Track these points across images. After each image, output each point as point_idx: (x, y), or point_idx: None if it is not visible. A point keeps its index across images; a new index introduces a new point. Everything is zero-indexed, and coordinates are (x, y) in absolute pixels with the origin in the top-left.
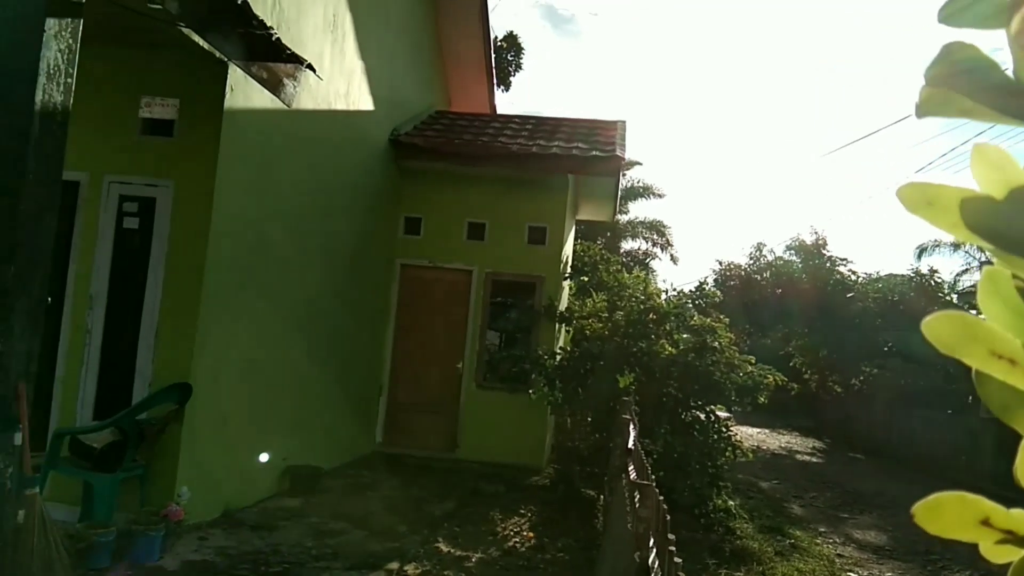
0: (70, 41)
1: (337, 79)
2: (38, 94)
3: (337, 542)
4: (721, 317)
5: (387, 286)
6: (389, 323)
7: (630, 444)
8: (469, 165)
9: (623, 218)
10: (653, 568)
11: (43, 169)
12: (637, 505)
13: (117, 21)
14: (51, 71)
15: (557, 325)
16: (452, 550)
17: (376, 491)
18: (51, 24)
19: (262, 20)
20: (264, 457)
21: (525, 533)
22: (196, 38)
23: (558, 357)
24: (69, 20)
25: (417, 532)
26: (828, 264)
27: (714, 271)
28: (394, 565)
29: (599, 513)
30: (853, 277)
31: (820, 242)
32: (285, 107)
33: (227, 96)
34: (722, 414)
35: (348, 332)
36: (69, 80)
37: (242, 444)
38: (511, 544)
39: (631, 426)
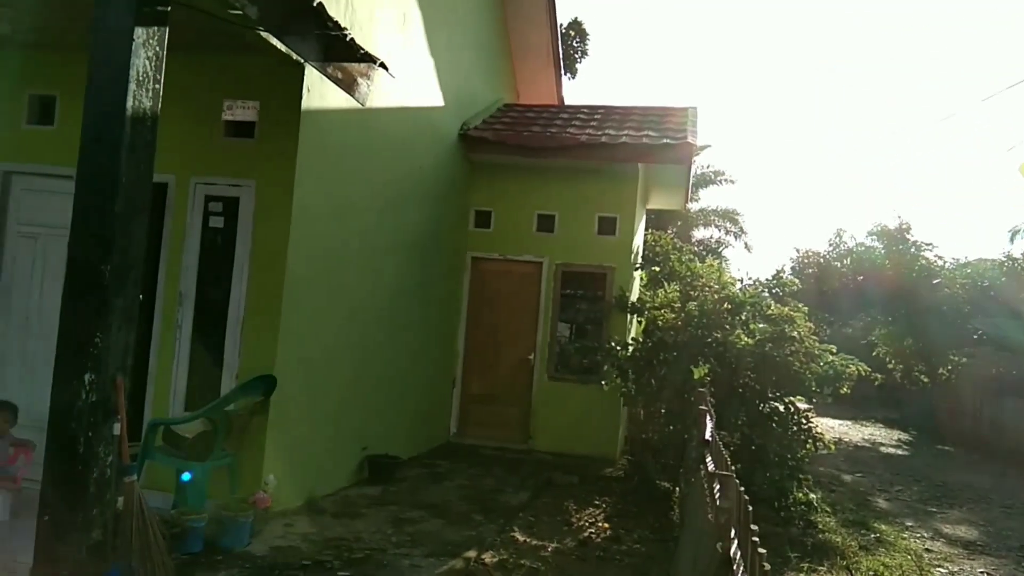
0: (157, 49)
1: (408, 76)
2: (129, 100)
3: (416, 530)
4: (799, 306)
5: (458, 279)
6: (461, 315)
7: (707, 435)
8: (538, 157)
9: (694, 206)
10: (735, 559)
11: (135, 172)
12: (717, 496)
13: (199, 27)
14: (140, 78)
15: (628, 316)
16: (528, 540)
17: (451, 481)
18: (139, 33)
19: (337, 21)
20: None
21: (600, 524)
22: (274, 41)
23: (630, 348)
24: (156, 28)
25: (493, 521)
26: (912, 249)
27: (791, 259)
28: (471, 553)
29: (675, 505)
30: (939, 263)
31: (904, 227)
32: (359, 106)
33: (304, 97)
34: (802, 405)
35: (422, 324)
36: (157, 86)
37: (324, 434)
38: (587, 535)
39: (708, 417)
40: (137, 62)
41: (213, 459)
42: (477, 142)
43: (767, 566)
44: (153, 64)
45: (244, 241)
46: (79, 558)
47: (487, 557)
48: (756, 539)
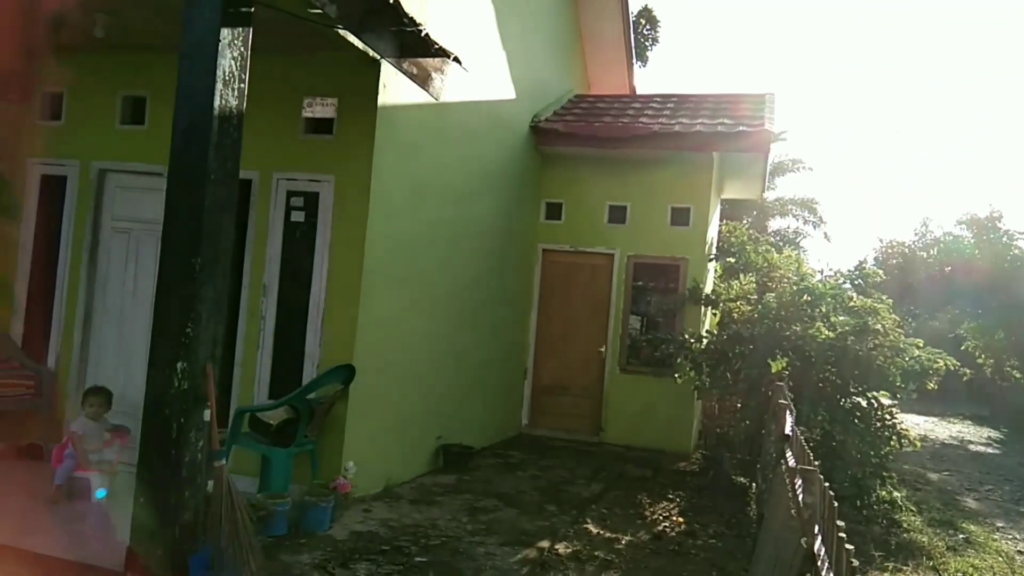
0: (242, 49)
1: (480, 69)
2: (216, 100)
3: (490, 519)
4: (883, 298)
5: (529, 271)
6: (532, 307)
7: (787, 430)
8: (609, 147)
9: (770, 195)
10: (819, 555)
11: (222, 169)
12: (799, 492)
13: (280, 27)
14: (226, 78)
15: (703, 308)
16: (601, 532)
17: (524, 471)
18: (225, 34)
19: (412, 17)
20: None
21: (675, 518)
22: (352, 39)
23: (704, 341)
24: (241, 29)
25: (566, 513)
26: (1004, 239)
27: (874, 249)
28: (545, 543)
29: (751, 501)
30: None
31: (995, 215)
32: (433, 100)
33: (380, 93)
34: (885, 401)
35: (494, 316)
36: (242, 85)
37: (400, 423)
38: (661, 528)
39: (787, 412)
40: (223, 62)
41: (296, 445)
42: (548, 134)
43: (855, 562)
44: (238, 64)
45: (324, 234)
46: (172, 538)
47: (560, 548)
48: (842, 535)
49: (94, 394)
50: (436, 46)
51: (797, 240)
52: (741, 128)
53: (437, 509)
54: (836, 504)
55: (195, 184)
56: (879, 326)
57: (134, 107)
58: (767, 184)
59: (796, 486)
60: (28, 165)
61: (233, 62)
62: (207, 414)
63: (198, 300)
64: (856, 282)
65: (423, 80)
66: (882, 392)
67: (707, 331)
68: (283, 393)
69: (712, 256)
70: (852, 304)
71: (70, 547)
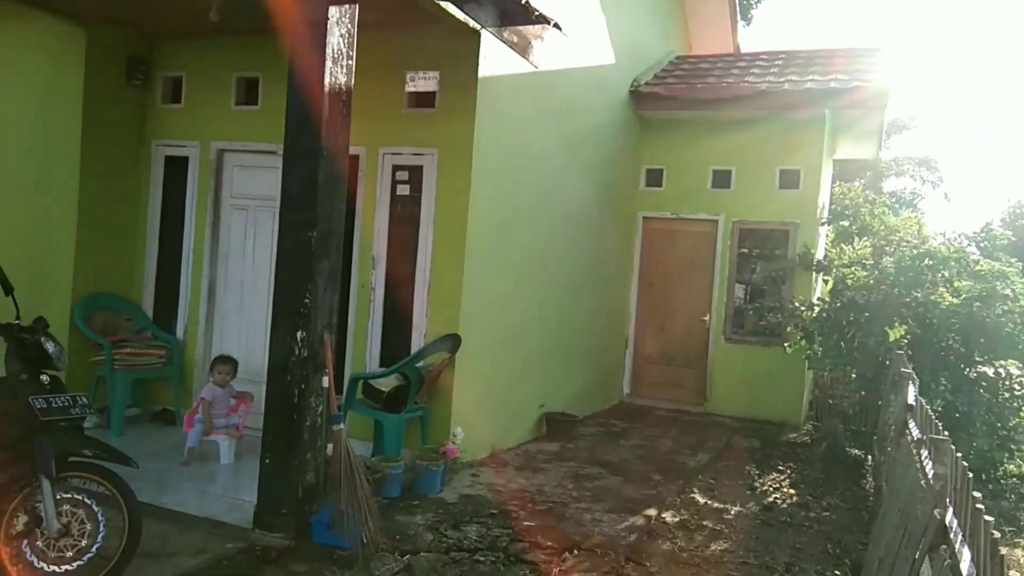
0: (349, 26)
1: (579, 35)
2: (326, 77)
3: (595, 486)
4: (1012, 261)
5: (629, 239)
6: (632, 276)
7: (910, 400)
8: (712, 110)
9: (884, 155)
10: (952, 527)
11: (333, 146)
12: (926, 463)
13: (382, 2)
14: (335, 55)
15: (814, 275)
16: (709, 502)
17: (627, 440)
18: (333, 12)
19: None
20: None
21: (786, 490)
22: (453, 10)
23: (816, 308)
24: (347, 7)
25: (671, 482)
26: None
27: (1002, 210)
28: (652, 511)
29: (867, 473)
30: None
31: None
32: (533, 69)
33: (481, 64)
34: (1014, 371)
35: (594, 285)
36: (350, 62)
37: (504, 391)
38: (771, 500)
39: (910, 382)
40: (332, 40)
41: (407, 411)
42: (648, 98)
43: (995, 534)
44: (346, 41)
45: (428, 207)
46: (295, 498)
47: (667, 516)
48: (980, 506)
49: (222, 362)
50: (536, 13)
51: (914, 201)
52: (856, 83)
53: (542, 476)
54: (970, 475)
55: (309, 161)
56: (1008, 291)
57: (248, 88)
58: (882, 143)
59: (923, 457)
60: (153, 147)
61: (341, 39)
62: (325, 380)
63: (315, 272)
64: (982, 244)
65: (523, 48)
66: (1011, 361)
67: (819, 299)
68: (393, 361)
69: (824, 220)
70: (978, 268)
71: (202, 505)
